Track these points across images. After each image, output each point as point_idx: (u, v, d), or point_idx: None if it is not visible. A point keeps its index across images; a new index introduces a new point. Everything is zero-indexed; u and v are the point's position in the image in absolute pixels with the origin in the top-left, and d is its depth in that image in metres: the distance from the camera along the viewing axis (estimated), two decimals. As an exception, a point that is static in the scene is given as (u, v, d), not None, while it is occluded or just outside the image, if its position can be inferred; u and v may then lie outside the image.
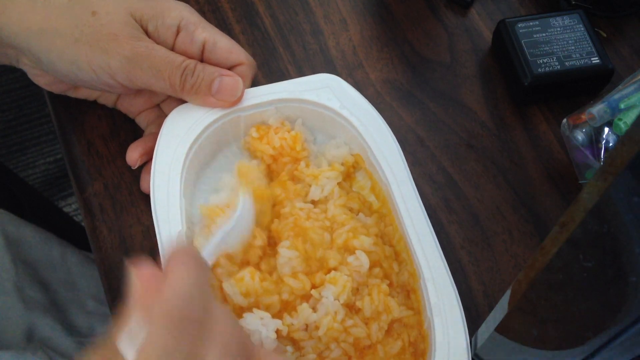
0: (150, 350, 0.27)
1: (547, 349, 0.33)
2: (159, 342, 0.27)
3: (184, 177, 0.43)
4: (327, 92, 0.46)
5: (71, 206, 1.24)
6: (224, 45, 0.45)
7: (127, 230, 0.46)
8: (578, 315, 0.29)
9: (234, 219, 0.41)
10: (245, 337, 0.32)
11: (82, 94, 0.48)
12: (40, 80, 0.46)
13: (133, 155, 0.45)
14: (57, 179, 1.27)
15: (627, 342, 0.26)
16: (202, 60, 0.45)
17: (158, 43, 0.43)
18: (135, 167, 0.46)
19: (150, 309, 0.28)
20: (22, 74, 0.47)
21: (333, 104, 0.46)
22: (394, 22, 0.56)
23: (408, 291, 0.42)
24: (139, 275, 0.30)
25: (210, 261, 0.38)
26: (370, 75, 0.53)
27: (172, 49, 0.44)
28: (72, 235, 0.71)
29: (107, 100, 0.49)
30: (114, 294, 0.44)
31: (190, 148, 0.43)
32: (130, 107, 0.49)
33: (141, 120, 0.49)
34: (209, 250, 0.38)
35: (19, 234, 0.64)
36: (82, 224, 0.62)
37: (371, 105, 0.46)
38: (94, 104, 0.50)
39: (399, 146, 0.44)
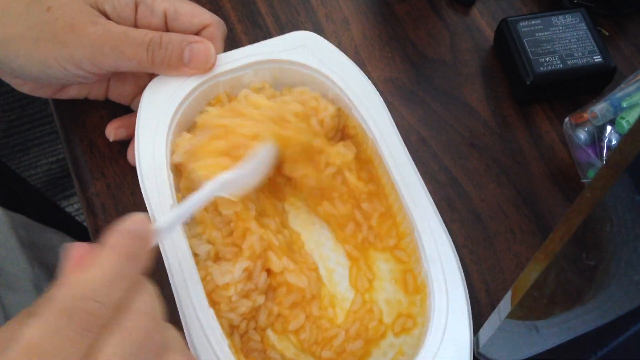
0: (32, 343, 0.25)
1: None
2: (41, 336, 0.25)
3: (169, 147, 0.42)
4: (304, 51, 0.45)
5: (73, 206, 1.24)
6: (186, 10, 0.44)
7: (129, 229, 0.46)
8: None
9: (244, 168, 0.38)
10: (164, 339, 0.28)
11: (70, 94, 0.48)
12: (25, 88, 0.46)
13: (108, 128, 0.46)
14: (60, 179, 1.27)
15: (630, 340, 0.26)
16: (167, 30, 0.44)
17: (120, 22, 0.43)
18: (111, 139, 0.46)
19: (51, 297, 0.26)
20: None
21: (311, 62, 0.45)
22: (396, 21, 0.56)
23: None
24: (70, 255, 0.28)
25: (184, 218, 0.35)
26: (372, 74, 0.53)
27: (135, 25, 0.44)
28: (75, 235, 0.71)
29: (97, 94, 0.48)
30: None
31: (173, 118, 0.43)
32: (120, 96, 0.48)
33: (136, 105, 0.48)
34: (188, 206, 0.34)
35: (34, 237, 0.64)
36: (85, 224, 0.62)
37: (350, 60, 0.45)
38: (95, 104, 0.50)
39: (381, 99, 0.44)
